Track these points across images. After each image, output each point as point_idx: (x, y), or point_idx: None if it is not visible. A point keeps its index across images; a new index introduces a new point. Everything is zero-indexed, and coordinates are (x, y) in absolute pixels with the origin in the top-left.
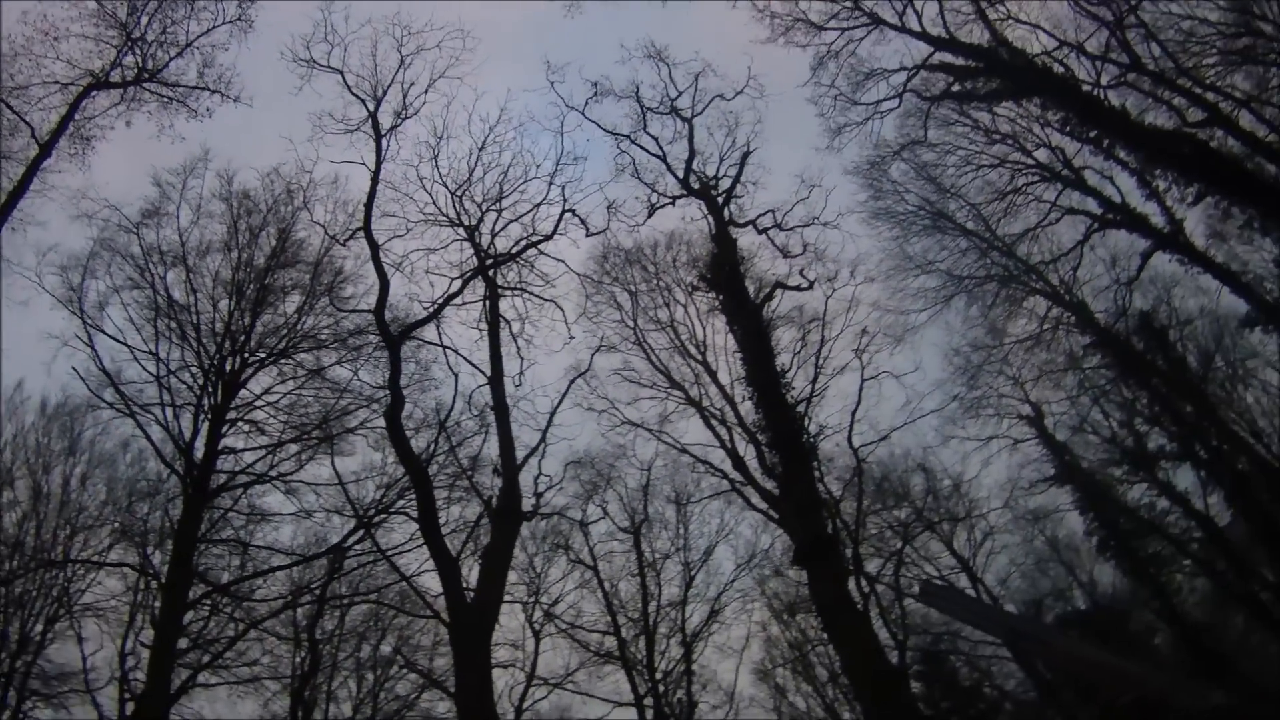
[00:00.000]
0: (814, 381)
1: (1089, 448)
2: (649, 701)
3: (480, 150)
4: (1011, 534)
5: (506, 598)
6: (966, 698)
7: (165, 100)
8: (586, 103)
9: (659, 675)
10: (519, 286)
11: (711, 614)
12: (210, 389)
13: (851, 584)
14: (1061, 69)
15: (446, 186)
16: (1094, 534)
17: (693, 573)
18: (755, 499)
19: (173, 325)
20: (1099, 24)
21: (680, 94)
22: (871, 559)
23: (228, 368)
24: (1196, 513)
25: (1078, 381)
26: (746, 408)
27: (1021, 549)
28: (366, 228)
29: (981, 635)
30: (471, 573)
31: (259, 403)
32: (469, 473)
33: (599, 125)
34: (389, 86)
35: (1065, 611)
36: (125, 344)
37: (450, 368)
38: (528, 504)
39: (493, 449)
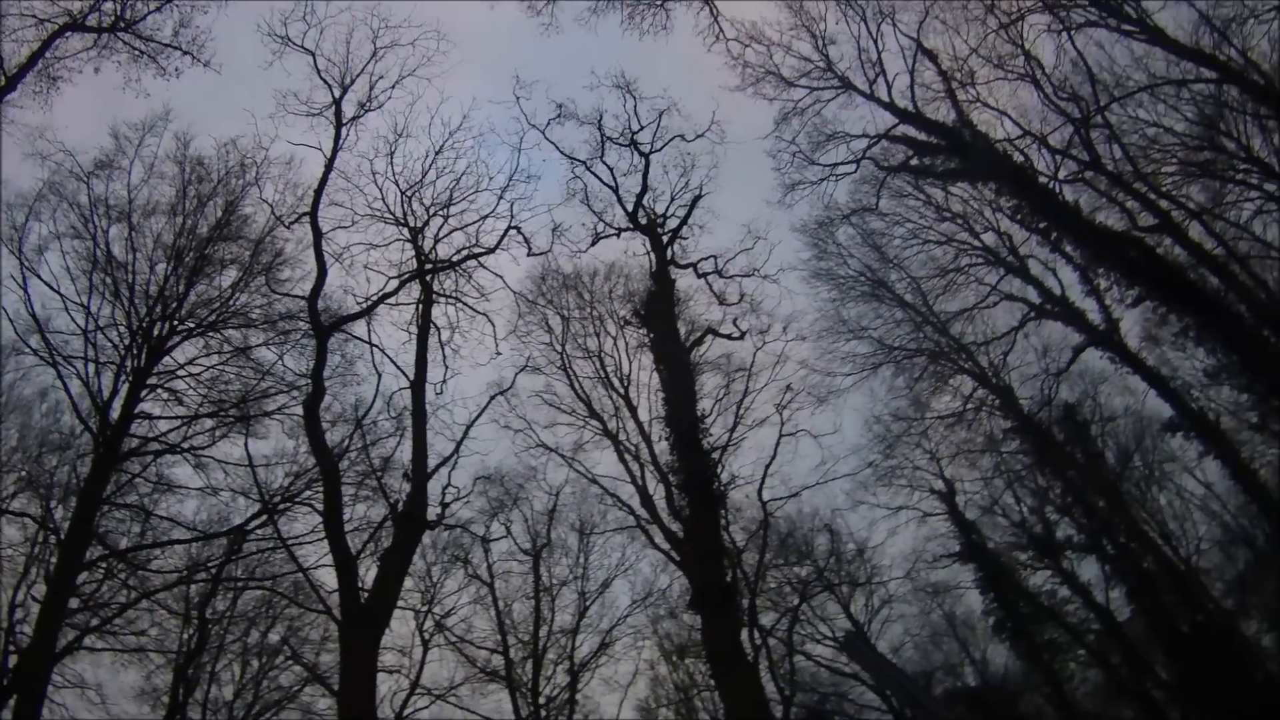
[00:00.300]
0: (732, 430)
1: (997, 529)
2: None
3: (437, 154)
4: (910, 604)
5: (400, 603)
6: None
7: (137, 53)
8: (549, 123)
9: (542, 700)
10: (454, 295)
11: (602, 646)
12: (135, 351)
13: (745, 635)
14: (1021, 158)
15: (398, 185)
16: (992, 614)
17: (588, 603)
18: (659, 539)
19: (108, 281)
20: (1065, 120)
21: (642, 128)
22: (767, 612)
23: (155, 332)
24: (1097, 605)
25: (994, 464)
26: (662, 447)
27: (918, 620)
28: (313, 213)
29: (867, 701)
30: (368, 573)
31: (181, 372)
32: (379, 473)
33: (557, 147)
34: (357, 76)
35: (955, 687)
36: (59, 292)
37: (375, 366)
38: (433, 513)
39: (405, 453)
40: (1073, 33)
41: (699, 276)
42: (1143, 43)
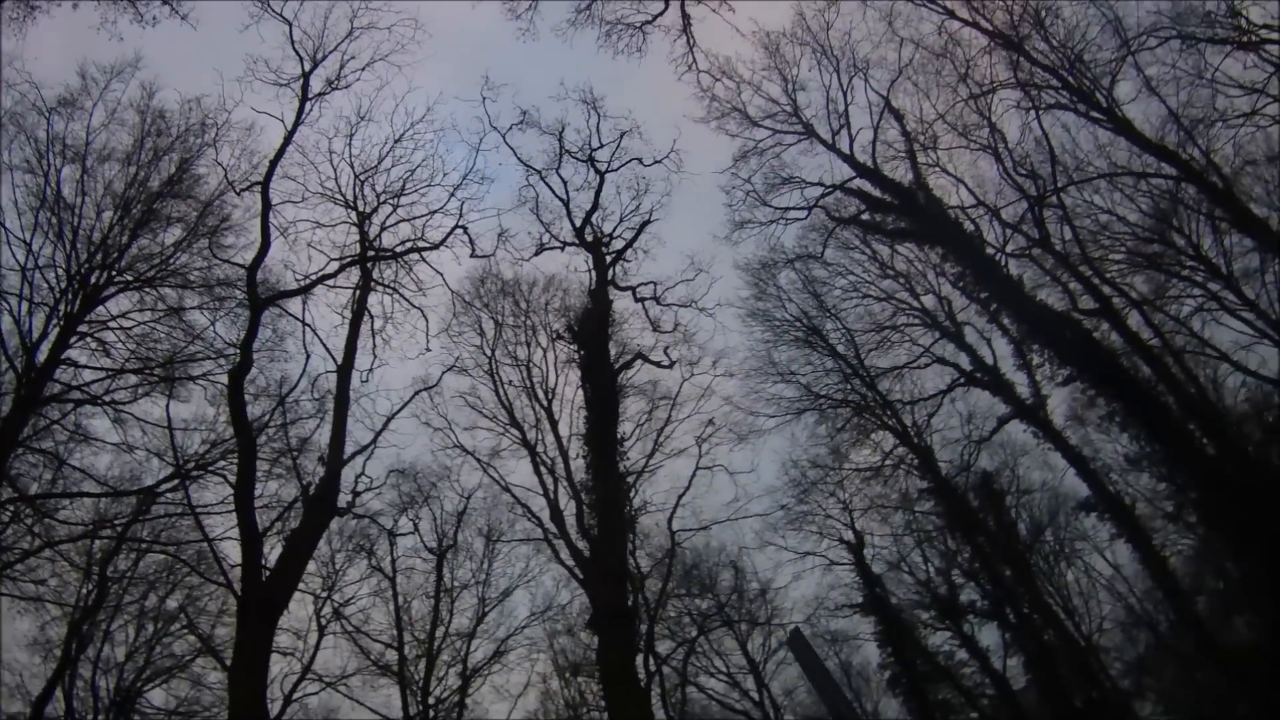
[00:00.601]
0: (649, 456)
1: (901, 586)
2: None
3: (396, 142)
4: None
5: (300, 586)
6: None
7: None
8: (511, 127)
9: (432, 700)
10: (392, 285)
11: (496, 654)
12: (70, 296)
13: (640, 660)
14: (972, 227)
15: (353, 167)
16: (888, 668)
17: (487, 609)
18: (565, 554)
19: (53, 221)
20: (1021, 195)
21: (602, 146)
22: (665, 640)
23: (93, 280)
24: (994, 671)
25: (906, 522)
26: (579, 465)
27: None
28: (265, 184)
29: None
30: (273, 552)
31: (113, 324)
32: (295, 453)
33: (515, 153)
34: (330, 53)
35: None
36: (2, 225)
37: (305, 345)
38: (344, 500)
39: (324, 437)
40: (1041, 112)
41: (636, 300)
42: (1109, 131)
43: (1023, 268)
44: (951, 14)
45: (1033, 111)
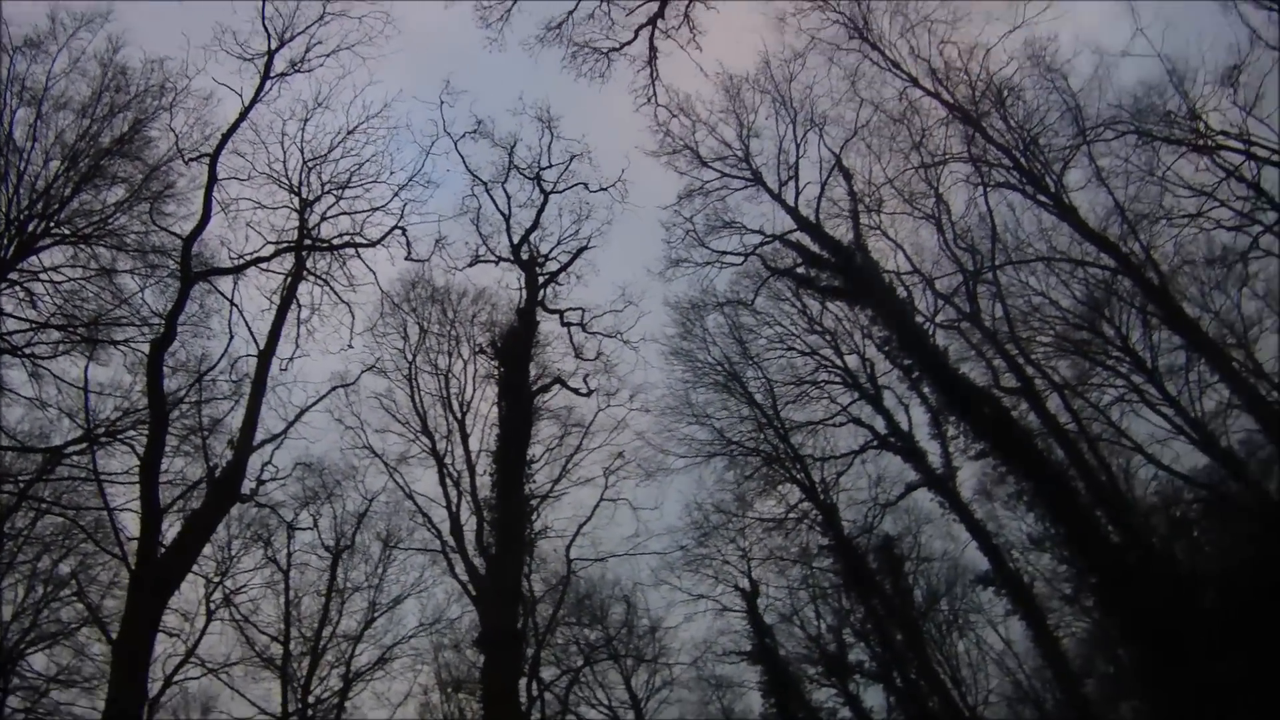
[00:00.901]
0: (556, 481)
1: (792, 639)
2: None
3: (348, 134)
4: (690, 691)
5: (194, 568)
6: None
7: None
8: (464, 135)
9: (312, 699)
10: (324, 277)
11: (381, 660)
12: (5, 242)
13: (524, 684)
14: (905, 293)
15: (302, 153)
16: (770, 718)
17: (376, 614)
18: (460, 569)
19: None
20: (957, 268)
21: (551, 166)
22: (550, 666)
23: (30, 229)
24: None
25: (803, 576)
26: (484, 482)
27: (695, 708)
28: (214, 156)
29: None
30: (171, 529)
31: (44, 276)
32: (205, 433)
33: (464, 161)
34: (298, 34)
35: None
36: None
37: (229, 325)
38: (248, 486)
39: (236, 420)
40: (989, 189)
41: (563, 324)
42: (1053, 215)
43: (950, 339)
44: (915, 81)
45: (981, 187)
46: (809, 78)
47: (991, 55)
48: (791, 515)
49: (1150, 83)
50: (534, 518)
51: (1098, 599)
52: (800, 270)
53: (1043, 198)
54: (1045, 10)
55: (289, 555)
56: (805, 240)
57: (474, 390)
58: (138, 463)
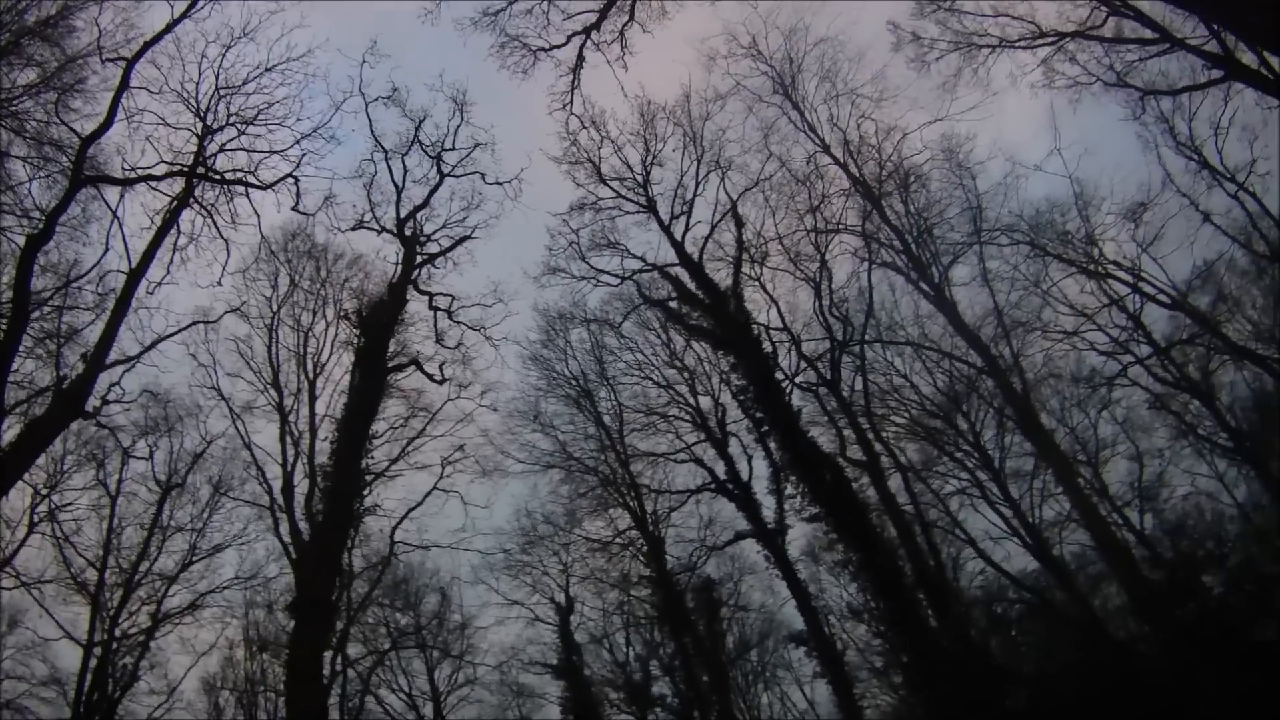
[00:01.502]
0: (394, 461)
1: (598, 660)
2: (97, 651)
3: (265, 70)
4: (491, 694)
5: (25, 476)
6: None
7: None
8: (377, 99)
9: (119, 633)
10: (209, 209)
11: (193, 605)
12: None
13: (328, 656)
14: (770, 348)
15: (216, 79)
16: None
17: (195, 558)
18: (284, 529)
19: None
20: (827, 335)
21: (454, 149)
22: (357, 644)
23: None
24: None
25: (620, 602)
26: (324, 447)
27: (493, 711)
28: (132, 62)
29: None
30: (8, 432)
31: None
32: (61, 340)
33: (371, 125)
34: None
35: None
36: None
37: (107, 238)
38: (93, 403)
39: (93, 335)
40: (874, 266)
41: (431, 308)
42: (932, 304)
43: (805, 401)
44: (826, 149)
45: (867, 263)
46: (725, 121)
47: (907, 140)
48: (618, 540)
49: (1056, 200)
50: (366, 492)
51: (906, 678)
52: (673, 304)
53: (925, 286)
54: (971, 110)
55: (119, 482)
56: (684, 276)
57: (330, 354)
58: None
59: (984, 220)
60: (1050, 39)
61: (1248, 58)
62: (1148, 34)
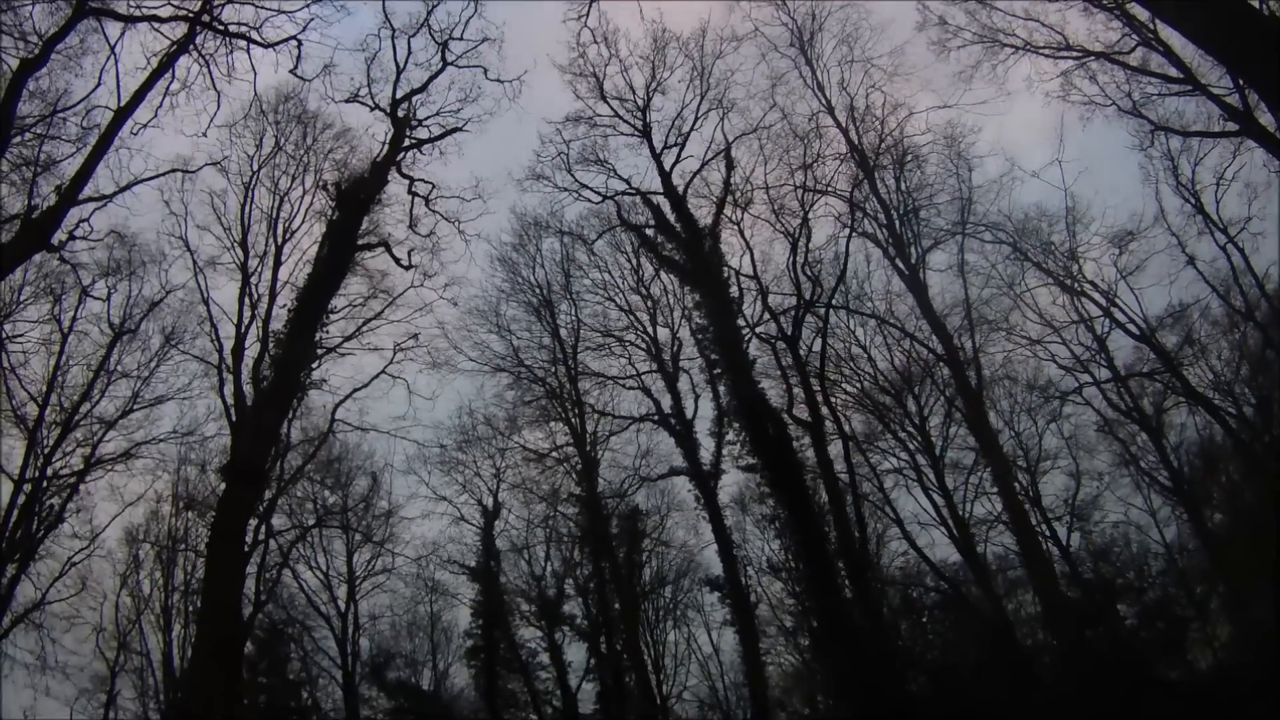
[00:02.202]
0: (347, 339)
1: (515, 570)
2: (27, 488)
3: None
4: (405, 585)
5: None
6: (294, 688)
7: None
8: None
9: (50, 472)
10: (207, 57)
11: (126, 454)
12: None
13: (253, 524)
14: (736, 293)
15: None
16: (472, 637)
17: (136, 406)
18: (229, 391)
19: None
20: (795, 292)
21: (461, 39)
22: (282, 516)
23: None
24: (567, 686)
25: (545, 516)
26: (281, 314)
27: (405, 603)
28: None
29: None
30: None
31: None
32: (38, 169)
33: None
34: None
35: None
36: None
37: (100, 72)
38: (59, 237)
39: (71, 169)
40: (854, 234)
41: (410, 193)
42: (904, 283)
43: (761, 353)
44: (831, 110)
45: (848, 230)
46: (735, 62)
47: (912, 119)
48: (554, 454)
49: (1046, 210)
50: (315, 365)
51: (813, 643)
52: (649, 232)
53: (901, 264)
54: (982, 104)
55: (73, 320)
56: (665, 207)
57: (303, 223)
58: None
59: (971, 213)
60: (1075, 54)
61: (1266, 118)
62: (1172, 72)
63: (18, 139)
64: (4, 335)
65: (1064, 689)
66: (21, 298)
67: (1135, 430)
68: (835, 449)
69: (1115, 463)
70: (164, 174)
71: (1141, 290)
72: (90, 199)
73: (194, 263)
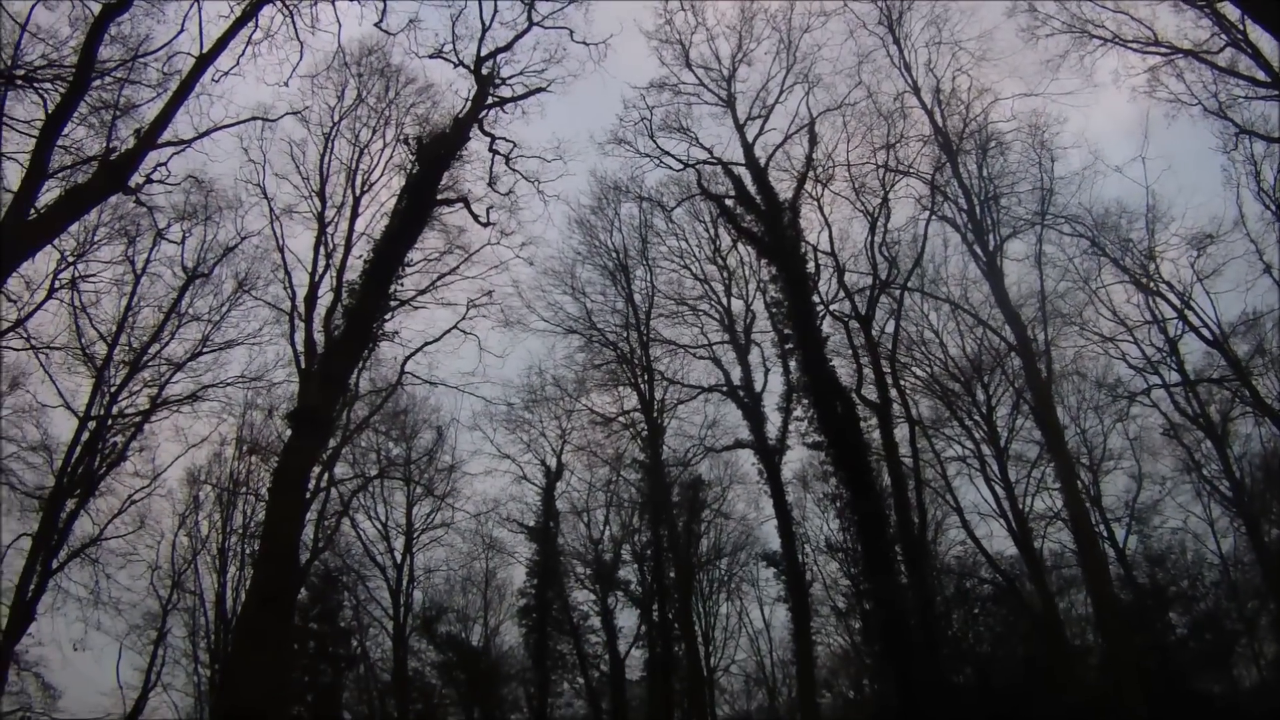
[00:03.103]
0: (421, 293)
1: (574, 532)
2: (92, 425)
3: None
4: (463, 541)
5: (55, 242)
6: (345, 636)
7: None
8: None
9: (116, 411)
10: (292, 6)
11: (193, 395)
12: None
13: (316, 471)
14: (813, 269)
15: None
16: (526, 597)
17: (206, 349)
18: (300, 338)
19: None
20: (872, 272)
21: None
22: (345, 464)
23: None
24: (616, 652)
25: (607, 480)
26: (356, 265)
27: (461, 558)
28: None
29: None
30: (48, 194)
31: None
32: (118, 112)
33: None
34: None
35: None
36: None
37: (184, 19)
38: (136, 180)
39: (150, 114)
40: (934, 217)
41: (491, 150)
42: (981, 270)
43: (834, 330)
44: (916, 91)
45: (928, 213)
46: (823, 37)
47: (997, 105)
48: (621, 419)
49: (1127, 206)
50: (388, 317)
51: (865, 626)
52: (729, 202)
53: (979, 251)
54: (1068, 95)
55: (147, 262)
56: (746, 178)
57: (381, 176)
58: (43, 116)
59: (1052, 204)
60: (1163, 50)
61: None
62: (1260, 75)
63: (98, 83)
64: (77, 274)
65: (1106, 698)
66: (96, 238)
67: (1200, 437)
68: (901, 432)
69: (1178, 468)
70: (244, 121)
71: (1217, 295)
72: (169, 143)
73: (270, 210)
